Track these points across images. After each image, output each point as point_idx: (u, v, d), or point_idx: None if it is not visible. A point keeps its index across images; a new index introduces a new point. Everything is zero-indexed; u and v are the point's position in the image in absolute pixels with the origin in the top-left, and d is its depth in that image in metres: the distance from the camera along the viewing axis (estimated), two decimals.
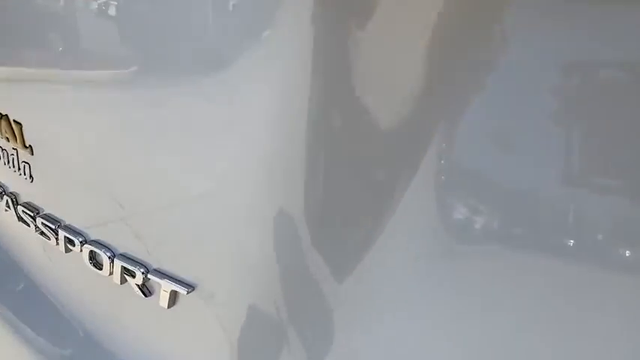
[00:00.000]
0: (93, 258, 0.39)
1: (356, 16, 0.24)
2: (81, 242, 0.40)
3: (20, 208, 0.45)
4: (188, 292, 0.34)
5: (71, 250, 0.41)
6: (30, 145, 0.41)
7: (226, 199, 0.31)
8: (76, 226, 0.41)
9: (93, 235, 0.40)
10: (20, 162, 0.43)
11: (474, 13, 0.22)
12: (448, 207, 0.25)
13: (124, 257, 0.37)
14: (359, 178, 0.27)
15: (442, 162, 0.24)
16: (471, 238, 0.25)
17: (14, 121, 0.41)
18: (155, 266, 0.36)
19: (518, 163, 0.23)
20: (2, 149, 0.45)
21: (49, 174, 0.41)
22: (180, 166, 0.33)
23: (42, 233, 0.43)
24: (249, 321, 0.34)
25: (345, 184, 0.27)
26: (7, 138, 0.42)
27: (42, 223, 0.42)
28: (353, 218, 0.28)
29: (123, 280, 0.38)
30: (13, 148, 0.43)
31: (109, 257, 0.38)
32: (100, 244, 0.39)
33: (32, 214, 0.44)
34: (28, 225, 0.45)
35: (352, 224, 0.28)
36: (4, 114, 0.42)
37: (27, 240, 0.48)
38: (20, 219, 0.45)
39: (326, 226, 0.29)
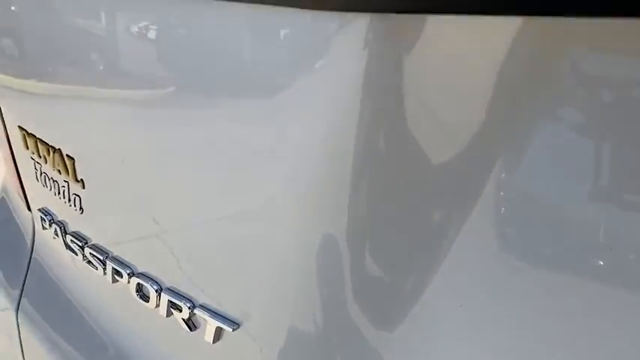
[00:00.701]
0: (140, 290, 0.41)
1: (409, 49, 0.24)
2: (128, 274, 0.41)
3: (69, 237, 0.46)
4: (233, 330, 0.35)
5: (118, 281, 0.42)
6: (82, 180, 0.42)
7: (272, 232, 0.32)
8: (124, 258, 0.42)
9: (140, 268, 0.41)
10: (71, 194, 0.44)
11: (537, 55, 0.22)
12: (503, 248, 0.25)
13: (171, 291, 0.38)
14: (406, 207, 0.27)
15: (497, 199, 0.25)
16: (526, 280, 0.25)
17: (67, 155, 0.43)
18: (201, 301, 0.37)
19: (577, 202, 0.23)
20: (54, 180, 0.46)
21: (99, 207, 0.43)
22: (229, 199, 0.33)
23: (89, 262, 0.45)
24: (293, 356, 0.34)
25: (392, 213, 0.28)
26: (59, 171, 0.44)
27: (90, 253, 0.44)
28: (399, 252, 0.28)
29: (169, 314, 0.39)
30: (65, 181, 0.44)
31: (156, 290, 0.39)
32: (147, 276, 0.40)
33: (80, 244, 0.45)
34: (76, 254, 0.46)
35: (398, 262, 0.29)
36: (57, 148, 0.43)
37: (73, 267, 0.49)
38: (68, 247, 0.47)
39: (374, 258, 0.29)
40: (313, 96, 0.27)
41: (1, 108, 0.51)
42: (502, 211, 0.25)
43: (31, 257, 0.56)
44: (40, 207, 0.51)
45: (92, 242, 0.45)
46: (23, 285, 0.56)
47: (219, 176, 0.33)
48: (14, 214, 0.62)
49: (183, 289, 0.38)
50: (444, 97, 0.24)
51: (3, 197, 0.64)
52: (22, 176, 0.54)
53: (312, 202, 0.29)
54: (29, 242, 0.57)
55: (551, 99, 0.22)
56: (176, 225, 0.37)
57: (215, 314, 0.36)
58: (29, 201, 0.55)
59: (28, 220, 0.57)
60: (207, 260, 0.36)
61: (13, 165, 0.54)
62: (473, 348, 0.28)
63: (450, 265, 0.27)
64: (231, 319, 0.35)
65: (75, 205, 0.44)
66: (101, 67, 0.38)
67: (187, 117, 0.34)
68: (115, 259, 0.42)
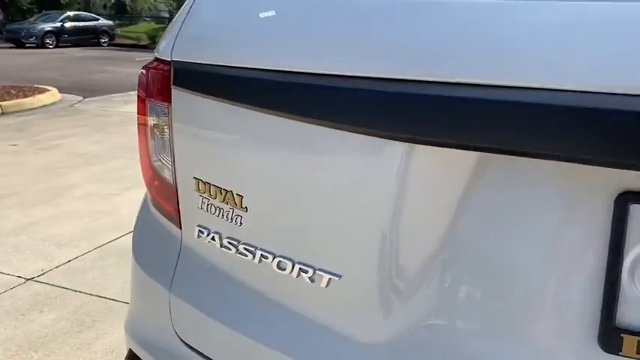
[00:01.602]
0: (279, 266, 0.77)
1: None
2: (273, 256, 0.78)
3: (226, 240, 0.83)
4: (339, 279, 0.72)
5: (263, 261, 0.79)
6: (246, 207, 0.80)
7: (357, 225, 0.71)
8: (266, 248, 0.79)
9: (279, 253, 0.78)
10: (234, 215, 0.81)
11: None
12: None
13: (300, 263, 0.76)
14: None
15: None
16: None
17: (237, 194, 0.80)
18: (318, 267, 0.74)
19: None
20: (219, 208, 0.83)
21: (255, 222, 0.80)
22: (335, 210, 0.72)
23: (241, 253, 0.81)
24: (371, 294, 0.72)
25: None
26: (228, 203, 0.81)
27: (243, 247, 0.81)
28: None
29: (298, 275, 0.76)
30: (230, 208, 0.82)
31: (292, 264, 0.76)
32: (284, 257, 0.77)
33: (235, 244, 0.82)
34: (229, 249, 0.82)
35: None
36: (229, 190, 0.81)
37: (225, 259, 0.85)
38: (223, 246, 0.83)
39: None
40: None
41: (179, 164, 0.88)
42: None
43: (179, 255, 0.92)
44: (198, 224, 0.87)
45: (244, 241, 0.81)
46: (174, 273, 0.91)
47: (320, 203, 0.72)
48: (159, 228, 0.97)
49: (306, 260, 0.75)
50: None
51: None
52: (180, 206, 0.90)
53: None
54: (177, 246, 0.92)
55: None
56: (302, 225, 0.75)
57: (326, 271, 0.73)
58: (182, 221, 0.91)
59: (177, 233, 0.92)
60: (320, 243, 0.74)
61: (176, 199, 0.90)
62: None
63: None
64: (335, 273, 0.73)
65: (236, 222, 0.81)
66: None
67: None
68: (262, 249, 0.79)
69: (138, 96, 0.93)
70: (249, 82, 0.74)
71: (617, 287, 0.57)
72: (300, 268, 0.74)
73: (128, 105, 8.50)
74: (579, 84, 0.53)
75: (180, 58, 0.83)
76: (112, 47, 22.83)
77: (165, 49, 0.85)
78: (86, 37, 22.91)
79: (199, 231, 0.87)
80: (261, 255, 0.78)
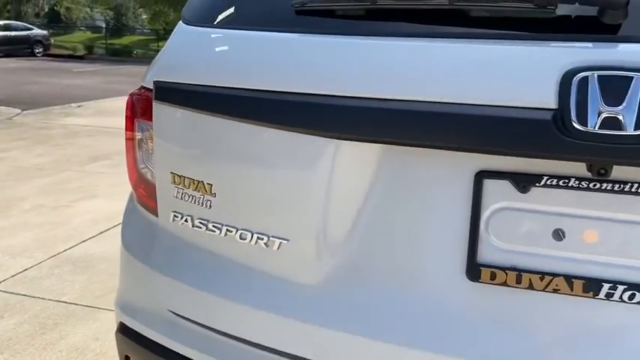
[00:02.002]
0: (262, 235, 1.01)
1: None
2: (275, 236, 1.01)
3: (197, 221, 1.05)
4: (287, 242, 0.97)
5: (244, 238, 1.02)
6: (214, 193, 1.03)
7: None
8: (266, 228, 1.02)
9: (283, 237, 1.02)
10: (205, 200, 1.04)
11: None
12: None
13: (280, 238, 1.00)
14: None
15: None
16: None
17: (207, 183, 1.03)
18: (284, 235, 0.99)
19: None
20: (191, 196, 1.06)
21: (222, 204, 1.03)
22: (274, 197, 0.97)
23: (210, 230, 1.04)
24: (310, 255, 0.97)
25: None
26: (199, 190, 1.04)
27: (212, 225, 1.03)
28: None
29: (279, 248, 1.00)
30: (202, 195, 1.04)
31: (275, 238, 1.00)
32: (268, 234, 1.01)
33: (205, 223, 1.04)
34: (200, 228, 1.05)
35: None
36: (201, 180, 1.03)
37: (197, 235, 1.07)
38: (195, 226, 1.06)
39: None
40: None
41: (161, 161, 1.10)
42: None
43: (158, 237, 1.13)
44: (173, 210, 1.09)
45: (213, 220, 1.04)
46: (153, 252, 1.13)
47: (271, 186, 0.96)
48: (143, 221, 1.18)
49: (262, 231, 0.99)
50: None
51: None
52: (158, 197, 1.12)
53: None
54: (156, 231, 1.14)
55: None
56: (258, 204, 0.99)
57: (277, 237, 0.97)
58: (159, 209, 1.13)
59: (156, 220, 1.14)
60: (272, 217, 0.98)
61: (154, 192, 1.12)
62: None
63: None
64: (284, 238, 0.97)
65: (206, 205, 1.04)
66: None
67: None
68: (227, 225, 1.02)
69: (126, 116, 1.14)
70: (211, 95, 0.98)
71: (477, 236, 0.84)
72: (257, 237, 0.98)
73: (70, 117, 8.42)
74: (448, 98, 0.80)
75: (159, 78, 1.05)
76: (47, 58, 22.11)
77: (149, 79, 1.08)
78: (19, 47, 22.12)
79: (174, 216, 1.09)
80: (227, 229, 1.02)
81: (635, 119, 0.70)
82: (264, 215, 0.97)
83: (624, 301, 0.77)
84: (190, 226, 1.07)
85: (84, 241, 3.59)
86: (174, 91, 1.03)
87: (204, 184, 1.03)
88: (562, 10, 0.76)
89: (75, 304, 2.79)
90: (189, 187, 1.05)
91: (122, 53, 26.29)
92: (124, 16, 37.51)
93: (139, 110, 1.11)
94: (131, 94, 1.15)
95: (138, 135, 1.13)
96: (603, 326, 0.78)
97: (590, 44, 0.76)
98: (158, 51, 1.18)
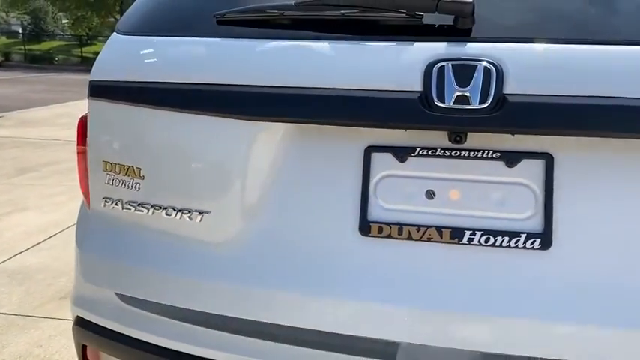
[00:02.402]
0: (176, 209, 1.14)
1: None
2: (173, 209, 1.14)
3: (127, 204, 1.17)
4: (207, 214, 1.11)
5: (169, 213, 1.15)
6: (143, 176, 1.15)
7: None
8: (164, 203, 1.15)
9: (178, 205, 1.15)
10: (134, 183, 1.16)
11: None
12: None
13: (183, 210, 1.13)
14: None
15: None
16: None
17: (136, 167, 1.15)
18: (194, 208, 1.12)
19: None
20: (122, 181, 1.17)
21: (149, 186, 1.15)
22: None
23: (140, 210, 1.16)
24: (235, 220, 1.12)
25: None
26: (129, 175, 1.16)
27: (141, 205, 1.15)
28: None
29: (191, 219, 1.13)
30: (131, 178, 1.16)
31: (177, 210, 1.13)
32: (174, 208, 1.14)
33: (136, 205, 1.16)
34: (130, 209, 1.17)
35: None
36: (131, 165, 1.15)
37: (127, 215, 1.19)
38: (125, 207, 1.17)
39: None
40: None
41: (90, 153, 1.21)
42: None
43: (92, 221, 1.24)
44: (103, 197, 1.21)
45: (141, 201, 1.16)
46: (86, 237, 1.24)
47: (195, 166, 1.10)
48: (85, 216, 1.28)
49: (185, 206, 1.12)
50: None
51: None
52: (90, 186, 1.23)
53: None
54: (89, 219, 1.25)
55: None
56: (182, 184, 1.12)
57: (199, 211, 1.11)
58: (90, 198, 1.24)
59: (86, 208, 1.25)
60: (195, 194, 1.11)
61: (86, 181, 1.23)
62: None
63: None
64: (206, 211, 1.10)
65: (135, 189, 1.16)
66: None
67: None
68: (154, 205, 1.15)
69: (78, 133, 1.25)
70: (141, 89, 1.11)
71: (367, 199, 1.02)
72: (181, 212, 1.12)
73: None
74: (340, 85, 0.97)
75: (94, 78, 1.17)
76: None
77: None
78: None
79: (105, 201, 1.20)
80: (154, 208, 1.14)
81: (479, 96, 0.91)
82: (187, 192, 1.11)
83: (481, 244, 0.97)
84: (120, 209, 1.18)
85: (18, 254, 3.53)
86: (108, 88, 1.15)
87: (133, 169, 1.16)
88: (427, 18, 0.96)
89: (15, 314, 2.78)
90: (119, 173, 1.17)
91: (42, 60, 25.11)
92: (43, 20, 35.86)
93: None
94: (81, 118, 1.26)
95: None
96: (467, 264, 0.98)
97: (446, 42, 0.96)
98: (82, 57, 1.30)
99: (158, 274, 1.15)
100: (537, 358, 0.94)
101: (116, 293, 1.20)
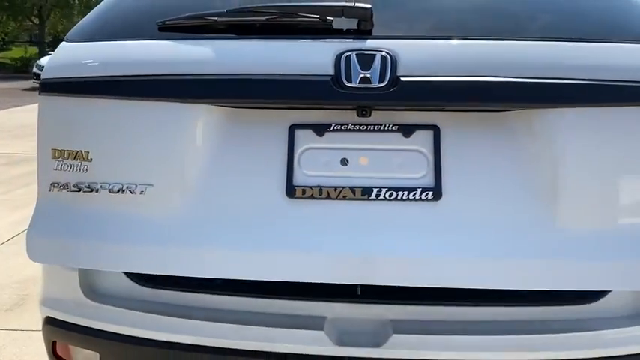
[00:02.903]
0: (119, 187, 1.27)
1: None
2: (113, 185, 1.27)
3: (75, 186, 1.29)
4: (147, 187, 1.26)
5: (108, 190, 1.27)
6: (91, 159, 1.28)
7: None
8: (106, 180, 1.28)
9: (113, 181, 1.28)
10: (83, 166, 1.29)
11: None
12: None
13: (118, 184, 1.27)
14: None
15: None
16: None
17: (85, 151, 1.28)
18: (126, 182, 1.27)
19: None
20: (70, 166, 1.29)
21: (98, 168, 1.28)
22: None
23: (88, 191, 1.28)
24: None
25: None
26: (78, 159, 1.28)
27: (88, 184, 1.28)
28: None
29: (124, 193, 1.26)
30: (80, 162, 1.29)
31: (116, 186, 1.27)
32: (118, 183, 1.27)
33: (86, 185, 1.28)
34: (80, 190, 1.29)
35: None
36: (79, 149, 1.28)
37: (76, 195, 1.30)
38: (71, 190, 1.29)
39: None
40: None
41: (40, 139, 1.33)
42: None
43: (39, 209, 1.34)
44: (51, 182, 1.32)
45: (88, 182, 1.28)
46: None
47: (139, 145, 1.26)
48: None
49: (130, 182, 1.26)
50: None
51: None
52: (38, 174, 1.34)
53: None
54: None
55: None
56: (127, 162, 1.27)
57: (142, 184, 1.25)
58: (38, 186, 1.34)
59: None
60: (138, 170, 1.26)
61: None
62: None
63: None
64: (148, 183, 1.25)
65: (82, 171, 1.28)
66: None
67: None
68: (101, 183, 1.27)
69: None
70: (89, 82, 1.27)
71: (292, 168, 1.21)
72: (127, 188, 1.25)
73: None
74: (268, 71, 1.19)
75: (44, 77, 1.32)
76: None
77: None
78: None
79: (52, 186, 1.31)
80: (101, 186, 1.27)
81: (378, 77, 1.15)
82: (132, 169, 1.26)
83: (387, 199, 1.18)
84: (67, 191, 1.29)
85: None
86: (59, 85, 1.30)
87: (82, 153, 1.28)
88: (337, 22, 1.21)
89: None
90: (68, 158, 1.30)
91: None
92: None
93: None
94: None
95: None
96: (376, 215, 1.18)
97: (352, 38, 1.21)
98: None
99: (107, 244, 1.26)
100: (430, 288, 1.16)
101: (81, 284, 1.33)
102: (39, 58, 21.21)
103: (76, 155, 1.29)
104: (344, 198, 1.20)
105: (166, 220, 1.24)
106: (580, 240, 1.14)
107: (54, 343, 1.44)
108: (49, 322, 1.41)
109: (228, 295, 1.29)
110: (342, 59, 1.17)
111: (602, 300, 1.19)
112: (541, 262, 1.14)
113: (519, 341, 1.16)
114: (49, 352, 1.46)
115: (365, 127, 1.21)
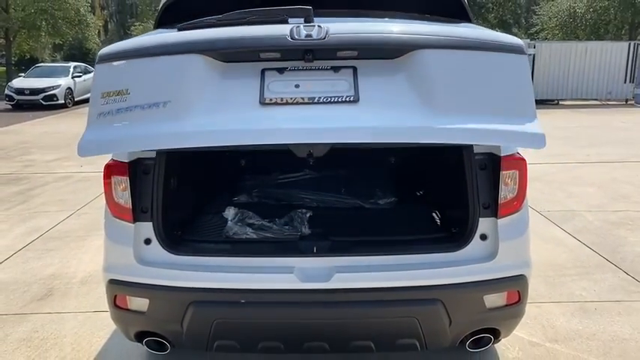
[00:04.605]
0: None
1: None
2: None
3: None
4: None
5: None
6: (130, 92, 1.94)
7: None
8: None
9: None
10: (123, 98, 1.94)
11: None
12: None
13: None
14: None
15: None
16: None
17: (125, 89, 1.94)
18: None
19: None
20: (114, 99, 1.95)
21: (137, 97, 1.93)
22: None
23: None
24: None
25: None
26: (120, 95, 1.94)
27: None
28: None
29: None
30: (127, 94, 1.94)
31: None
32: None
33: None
34: None
35: None
36: (122, 88, 1.95)
37: None
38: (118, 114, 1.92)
39: None
40: None
41: None
42: None
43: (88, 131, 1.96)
44: (98, 113, 1.96)
45: (128, 105, 1.92)
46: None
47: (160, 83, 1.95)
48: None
49: (158, 101, 1.91)
50: None
51: None
52: (90, 109, 1.98)
53: None
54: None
55: None
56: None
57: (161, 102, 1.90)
58: (89, 118, 1.98)
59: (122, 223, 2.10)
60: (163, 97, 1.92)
61: None
62: None
63: None
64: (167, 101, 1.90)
65: (124, 101, 1.94)
66: None
67: None
68: (137, 106, 1.92)
69: (106, 173, 2.23)
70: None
71: (264, 90, 1.89)
72: (160, 103, 1.87)
73: None
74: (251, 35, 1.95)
75: (102, 53, 2.05)
76: None
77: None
78: None
79: (99, 115, 1.94)
80: (135, 106, 1.89)
81: (315, 34, 1.90)
82: (157, 95, 1.89)
83: (324, 102, 1.85)
84: (111, 116, 1.92)
85: None
86: (109, 56, 2.01)
87: (123, 90, 1.93)
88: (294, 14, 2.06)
89: (4, 314, 3.32)
90: (112, 96, 1.93)
91: None
92: None
93: (114, 170, 2.20)
94: (107, 164, 2.22)
95: (113, 180, 2.18)
96: (319, 112, 1.84)
97: (302, 19, 1.99)
98: None
99: (139, 137, 1.89)
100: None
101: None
102: (6, 78, 21.60)
103: (119, 92, 1.93)
104: (298, 103, 1.85)
105: (180, 123, 1.87)
106: (443, 118, 1.86)
107: (115, 297, 2.20)
108: (112, 282, 2.19)
109: (229, 257, 2.19)
110: (294, 28, 1.92)
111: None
112: (418, 127, 1.85)
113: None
114: (110, 305, 2.24)
115: (309, 68, 1.94)
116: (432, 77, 1.87)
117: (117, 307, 2.23)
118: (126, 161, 2.17)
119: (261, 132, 1.86)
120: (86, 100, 13.78)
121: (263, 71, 1.93)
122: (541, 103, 15.86)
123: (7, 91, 16.62)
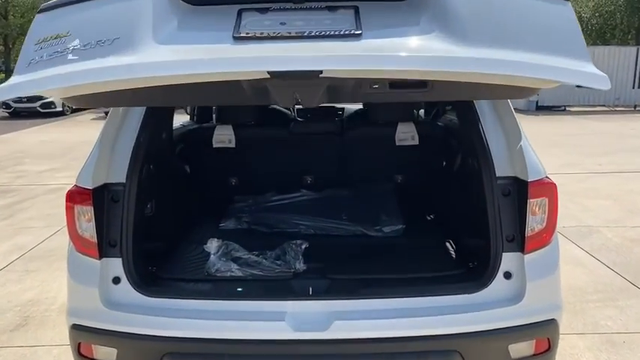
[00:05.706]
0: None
1: None
2: None
3: None
4: None
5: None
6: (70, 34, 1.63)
7: None
8: None
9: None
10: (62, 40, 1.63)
11: None
12: None
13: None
14: None
15: None
16: None
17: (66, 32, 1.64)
18: None
19: None
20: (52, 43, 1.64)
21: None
22: None
23: None
24: None
25: None
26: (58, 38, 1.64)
27: None
28: None
29: None
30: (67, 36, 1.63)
31: None
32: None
33: None
34: None
35: None
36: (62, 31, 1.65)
37: None
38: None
39: None
40: None
41: None
42: None
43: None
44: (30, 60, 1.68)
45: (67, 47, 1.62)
46: None
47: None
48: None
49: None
50: None
51: None
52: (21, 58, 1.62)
53: None
54: None
55: None
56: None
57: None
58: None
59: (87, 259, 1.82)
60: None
61: None
62: None
63: None
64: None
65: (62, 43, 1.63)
66: None
67: None
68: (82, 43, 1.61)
69: (68, 204, 1.95)
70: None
71: (239, 27, 1.51)
72: (109, 40, 1.50)
73: None
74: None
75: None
76: None
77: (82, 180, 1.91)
78: None
79: (31, 61, 1.56)
80: (81, 45, 1.53)
81: None
82: (106, 33, 1.51)
83: (316, 37, 1.47)
84: (45, 57, 1.53)
85: None
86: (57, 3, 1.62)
87: (63, 33, 1.55)
88: None
89: None
90: (48, 40, 1.56)
91: None
92: None
93: (76, 199, 1.91)
94: (69, 191, 1.94)
95: (76, 210, 1.90)
96: (310, 47, 1.46)
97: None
98: None
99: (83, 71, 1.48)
100: None
101: None
102: None
103: (58, 35, 1.55)
104: (284, 38, 1.48)
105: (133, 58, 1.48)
106: (471, 48, 1.48)
107: (79, 345, 1.89)
108: (76, 328, 1.88)
109: (210, 299, 1.87)
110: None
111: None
112: (437, 56, 1.47)
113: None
114: (74, 353, 1.92)
115: (299, 7, 1.58)
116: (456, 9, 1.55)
117: (81, 355, 1.92)
118: (90, 188, 1.87)
119: (231, 60, 1.49)
120: (84, 108, 13.52)
121: (240, 12, 1.59)
122: (548, 109, 15.58)
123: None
